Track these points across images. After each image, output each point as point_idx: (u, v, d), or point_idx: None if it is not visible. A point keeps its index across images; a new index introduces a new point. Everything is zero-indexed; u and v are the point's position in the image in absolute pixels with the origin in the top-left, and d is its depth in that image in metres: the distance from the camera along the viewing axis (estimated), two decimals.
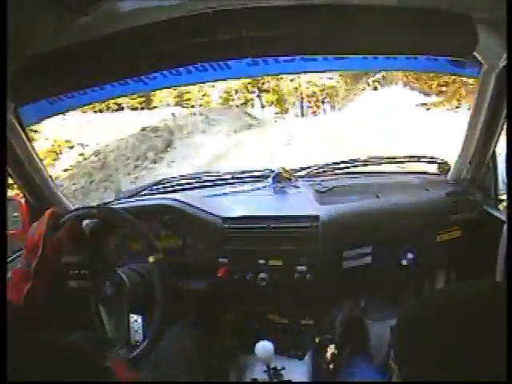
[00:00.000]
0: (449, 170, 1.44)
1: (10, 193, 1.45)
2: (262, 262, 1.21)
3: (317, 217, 1.20)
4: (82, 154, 11.60)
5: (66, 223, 1.07)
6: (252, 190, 1.46)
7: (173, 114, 13.44)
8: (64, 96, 1.21)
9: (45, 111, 1.30)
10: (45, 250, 0.91)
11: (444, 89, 10.35)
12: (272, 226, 1.21)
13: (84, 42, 0.96)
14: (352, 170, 1.58)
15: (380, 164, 1.58)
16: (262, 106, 19.49)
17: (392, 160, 1.61)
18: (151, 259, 1.07)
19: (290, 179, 1.46)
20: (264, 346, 1.13)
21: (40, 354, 0.47)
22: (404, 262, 1.28)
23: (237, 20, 0.93)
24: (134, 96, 12.27)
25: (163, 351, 1.10)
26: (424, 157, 1.57)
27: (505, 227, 1.16)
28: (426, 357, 0.48)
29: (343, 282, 1.23)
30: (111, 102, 12.72)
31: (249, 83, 18.20)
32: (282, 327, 1.28)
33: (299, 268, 1.19)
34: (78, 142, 12.15)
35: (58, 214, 1.02)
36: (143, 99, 16.77)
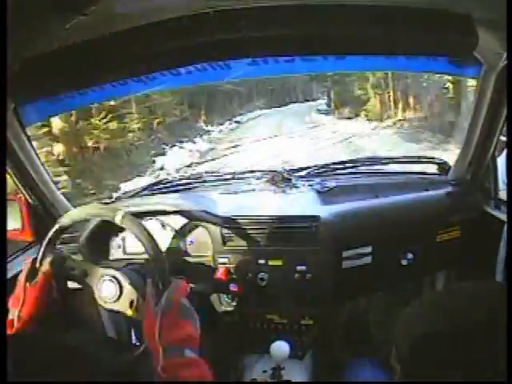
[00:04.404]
0: (449, 169, 1.44)
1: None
2: (261, 261, 1.21)
3: (317, 217, 1.20)
4: None
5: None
6: (252, 190, 1.46)
7: None
8: (64, 96, 1.21)
9: (45, 111, 1.30)
10: (25, 300, 0.92)
11: None
12: (272, 226, 1.21)
13: (84, 42, 0.96)
14: (352, 170, 1.58)
15: (380, 164, 1.58)
16: None
17: (392, 160, 1.61)
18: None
19: (290, 179, 1.46)
20: (280, 346, 1.14)
21: (40, 353, 0.47)
22: (404, 262, 1.28)
23: (237, 20, 0.93)
24: None
25: None
26: (424, 157, 1.57)
27: (505, 227, 1.16)
28: (428, 356, 0.48)
29: (343, 282, 1.23)
30: None
31: None
32: (282, 327, 1.28)
33: (299, 268, 1.19)
34: None
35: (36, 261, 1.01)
36: None
